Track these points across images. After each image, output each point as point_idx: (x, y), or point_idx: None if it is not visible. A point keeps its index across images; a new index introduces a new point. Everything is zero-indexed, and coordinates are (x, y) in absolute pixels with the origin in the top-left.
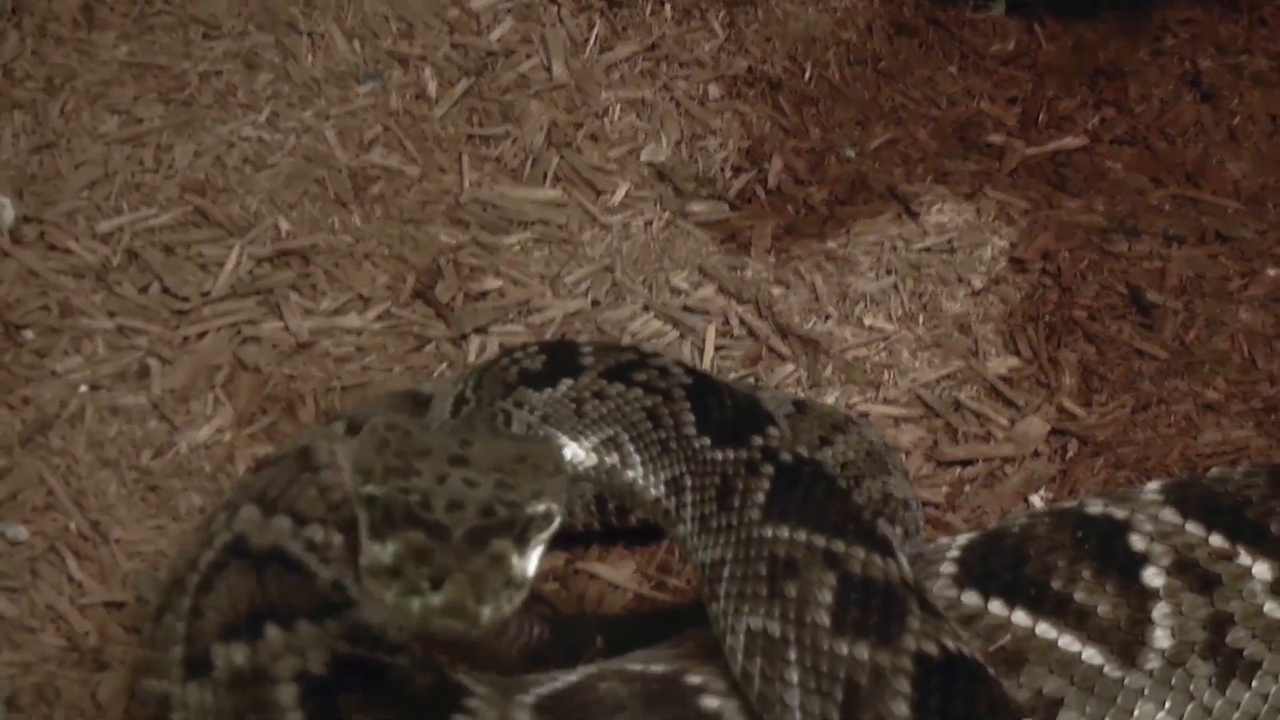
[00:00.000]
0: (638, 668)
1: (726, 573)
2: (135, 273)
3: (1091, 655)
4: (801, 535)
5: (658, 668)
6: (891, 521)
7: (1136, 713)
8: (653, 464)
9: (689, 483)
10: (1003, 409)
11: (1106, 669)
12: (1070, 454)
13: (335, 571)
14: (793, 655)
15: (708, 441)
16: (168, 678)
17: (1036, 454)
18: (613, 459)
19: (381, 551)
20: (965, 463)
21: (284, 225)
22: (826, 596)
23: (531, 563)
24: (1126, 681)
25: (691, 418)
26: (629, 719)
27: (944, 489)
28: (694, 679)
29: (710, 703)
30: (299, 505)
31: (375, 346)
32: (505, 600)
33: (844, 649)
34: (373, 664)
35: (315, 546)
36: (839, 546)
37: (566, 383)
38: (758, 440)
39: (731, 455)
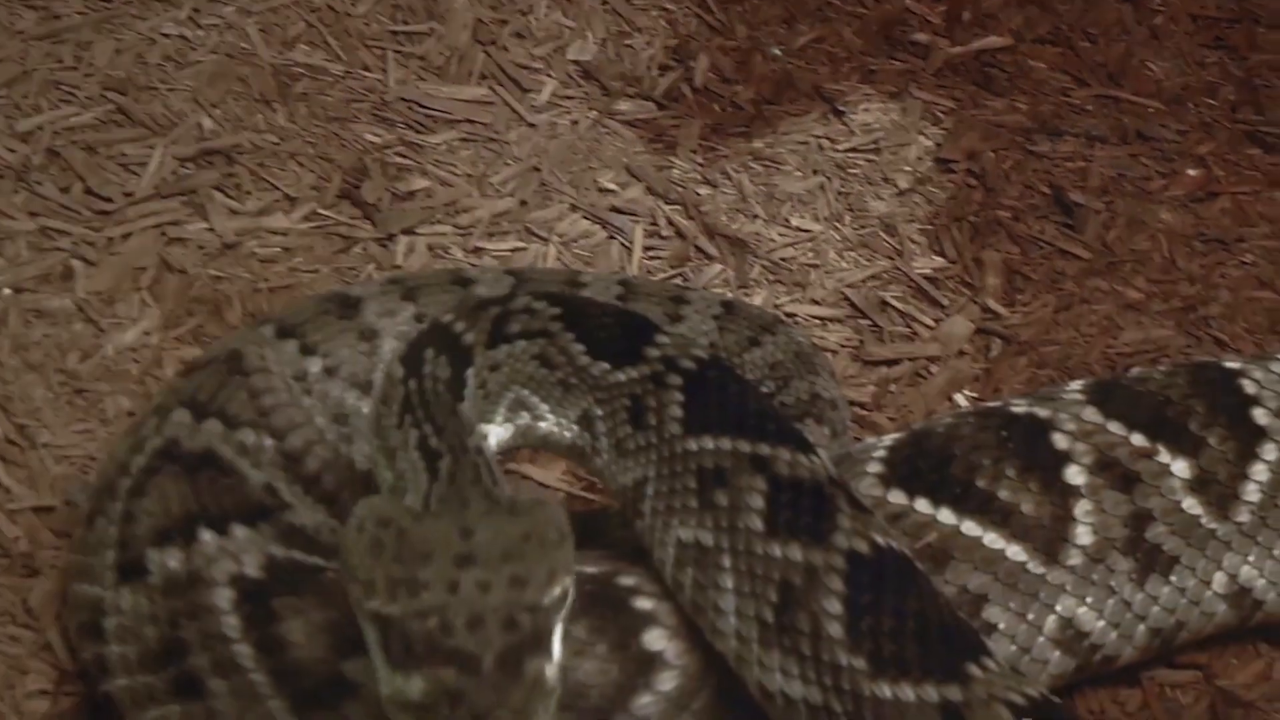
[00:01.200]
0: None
1: (650, 490)
2: (57, 172)
3: (1015, 552)
4: (726, 443)
5: (590, 569)
6: (819, 422)
7: (1059, 608)
8: (560, 407)
9: (598, 412)
10: (928, 309)
11: (1030, 565)
12: (994, 353)
13: (268, 475)
14: (727, 562)
15: (605, 366)
16: (101, 583)
17: (961, 353)
18: (524, 419)
19: (406, 685)
20: (891, 362)
21: (207, 124)
22: (758, 501)
23: (558, 653)
24: (1049, 577)
25: (580, 347)
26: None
27: (870, 389)
28: (626, 580)
29: (643, 604)
30: (230, 409)
31: (302, 247)
32: (544, 713)
33: (777, 551)
34: (308, 567)
35: (247, 450)
36: (764, 449)
37: (469, 374)
38: (652, 351)
39: (634, 374)
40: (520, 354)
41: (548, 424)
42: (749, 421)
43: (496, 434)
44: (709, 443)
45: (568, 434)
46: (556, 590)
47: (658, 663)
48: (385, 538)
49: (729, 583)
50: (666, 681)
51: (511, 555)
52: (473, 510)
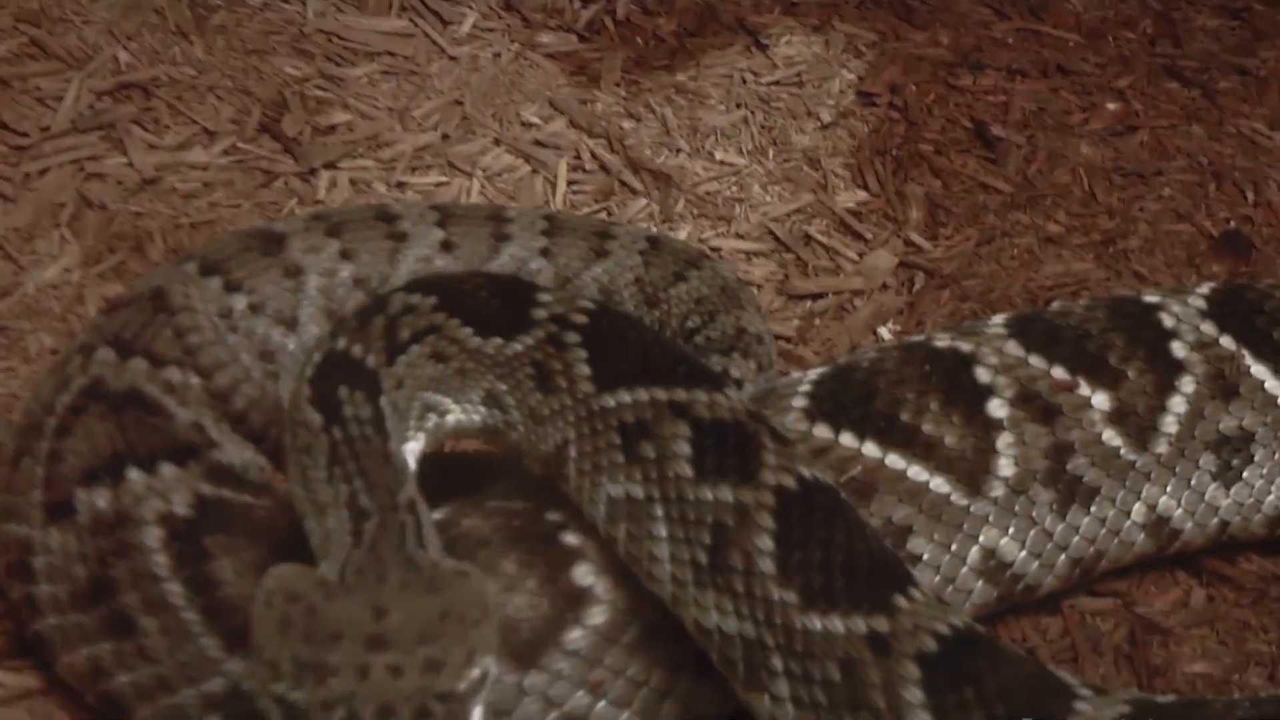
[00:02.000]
0: (499, 504)
1: (573, 452)
2: None
3: (939, 484)
4: (642, 394)
5: (519, 504)
6: (745, 355)
7: (982, 538)
8: (462, 394)
9: (503, 387)
10: (851, 242)
11: (953, 497)
12: (917, 286)
13: (195, 413)
14: (659, 511)
15: (499, 341)
16: (29, 522)
17: (885, 287)
18: (432, 421)
19: None
20: (815, 296)
21: (123, 57)
22: (684, 448)
23: None
24: (972, 509)
25: (468, 330)
26: (492, 555)
27: (795, 322)
28: (555, 515)
29: (572, 539)
30: (155, 347)
31: (222, 182)
32: None
33: (708, 495)
34: (238, 505)
35: (174, 388)
36: (681, 394)
37: (382, 401)
38: (539, 313)
39: (530, 340)
40: (416, 360)
41: (454, 415)
42: (659, 367)
43: (412, 450)
44: (625, 396)
45: (476, 417)
46: (474, 673)
47: (588, 597)
48: (294, 614)
49: (662, 531)
50: (597, 616)
51: (427, 636)
52: (389, 584)
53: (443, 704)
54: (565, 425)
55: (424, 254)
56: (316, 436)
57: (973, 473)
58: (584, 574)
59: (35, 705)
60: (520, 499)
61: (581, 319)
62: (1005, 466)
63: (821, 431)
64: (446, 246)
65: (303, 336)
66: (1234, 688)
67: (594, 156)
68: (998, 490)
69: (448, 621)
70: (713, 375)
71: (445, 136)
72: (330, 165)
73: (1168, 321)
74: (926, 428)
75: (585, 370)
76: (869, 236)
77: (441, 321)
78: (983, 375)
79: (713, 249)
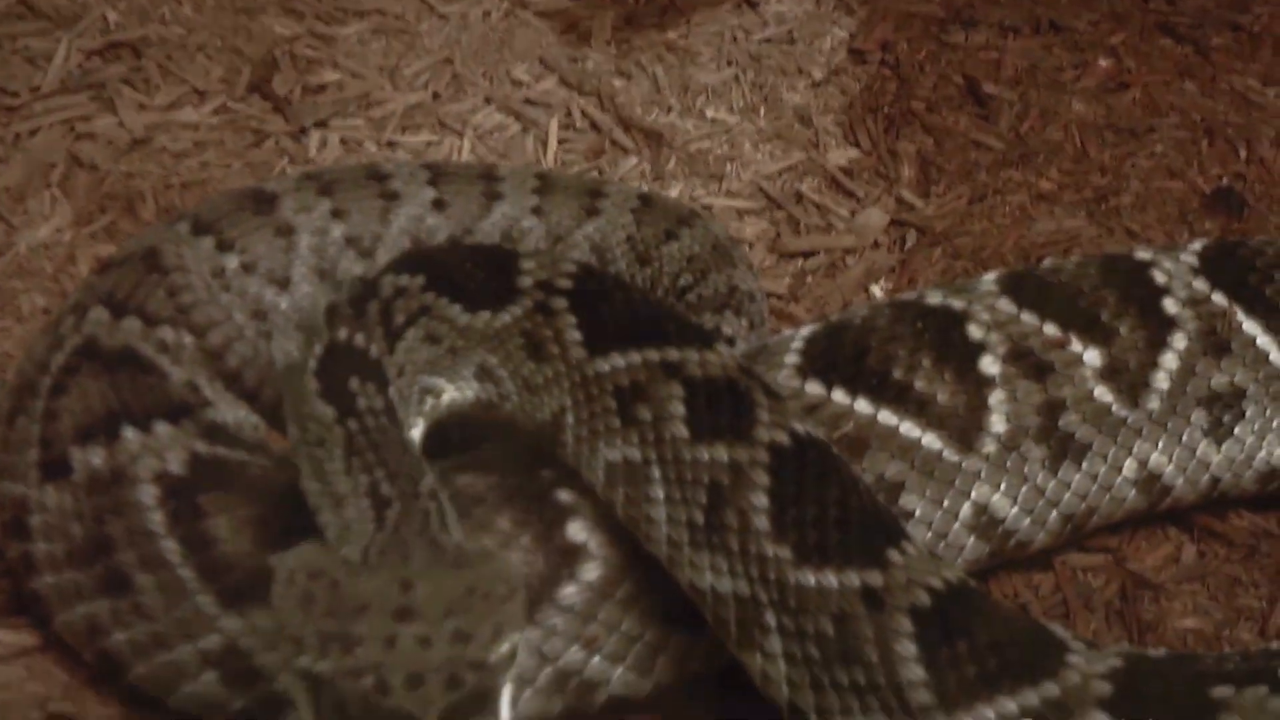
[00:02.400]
0: (493, 461)
1: (570, 419)
2: None
3: (931, 440)
4: (635, 356)
5: (512, 461)
6: (737, 313)
7: (973, 495)
8: (453, 371)
9: (494, 360)
10: (843, 200)
11: (945, 453)
12: (909, 244)
13: (189, 372)
14: (656, 474)
15: (487, 315)
16: (25, 481)
17: (876, 245)
18: (428, 403)
19: None
20: (807, 254)
21: (112, 16)
22: (679, 408)
23: (507, 717)
24: (964, 465)
25: (457, 308)
26: (487, 512)
27: (787, 280)
28: (548, 472)
29: (565, 497)
30: (149, 306)
31: (213, 142)
32: None
33: (704, 454)
34: (233, 463)
35: (167, 347)
36: (672, 354)
37: (390, 391)
38: (524, 281)
39: (518, 311)
40: (413, 344)
41: (449, 394)
42: (649, 328)
43: (415, 435)
44: (618, 360)
45: (470, 393)
46: (504, 647)
47: (582, 553)
48: (317, 590)
49: (660, 493)
50: (590, 571)
51: (455, 609)
52: (414, 561)
53: (474, 672)
54: (560, 393)
55: (416, 213)
56: (330, 430)
57: (965, 429)
58: (578, 530)
59: (33, 663)
60: (514, 456)
61: (566, 283)
62: (997, 423)
63: (814, 388)
64: (438, 205)
65: (295, 295)
66: (1224, 643)
67: (585, 115)
68: (990, 447)
69: (474, 597)
70: (702, 333)
71: (436, 95)
72: (321, 124)
73: (1160, 278)
74: (919, 385)
75: (576, 336)
76: (861, 194)
77: (431, 301)
78: (975, 332)
79: (704, 207)
